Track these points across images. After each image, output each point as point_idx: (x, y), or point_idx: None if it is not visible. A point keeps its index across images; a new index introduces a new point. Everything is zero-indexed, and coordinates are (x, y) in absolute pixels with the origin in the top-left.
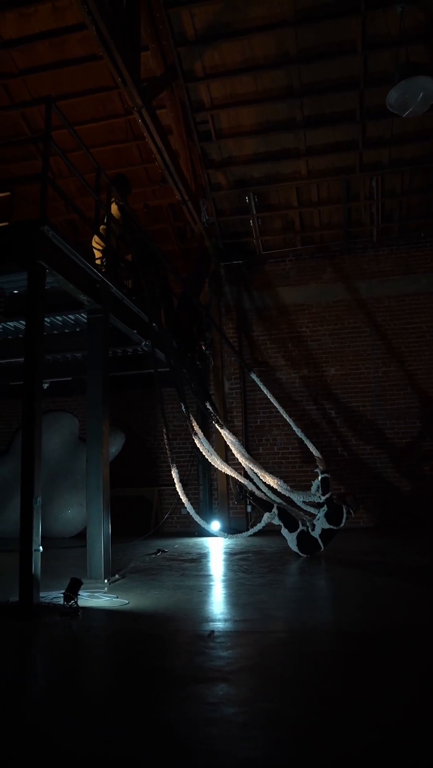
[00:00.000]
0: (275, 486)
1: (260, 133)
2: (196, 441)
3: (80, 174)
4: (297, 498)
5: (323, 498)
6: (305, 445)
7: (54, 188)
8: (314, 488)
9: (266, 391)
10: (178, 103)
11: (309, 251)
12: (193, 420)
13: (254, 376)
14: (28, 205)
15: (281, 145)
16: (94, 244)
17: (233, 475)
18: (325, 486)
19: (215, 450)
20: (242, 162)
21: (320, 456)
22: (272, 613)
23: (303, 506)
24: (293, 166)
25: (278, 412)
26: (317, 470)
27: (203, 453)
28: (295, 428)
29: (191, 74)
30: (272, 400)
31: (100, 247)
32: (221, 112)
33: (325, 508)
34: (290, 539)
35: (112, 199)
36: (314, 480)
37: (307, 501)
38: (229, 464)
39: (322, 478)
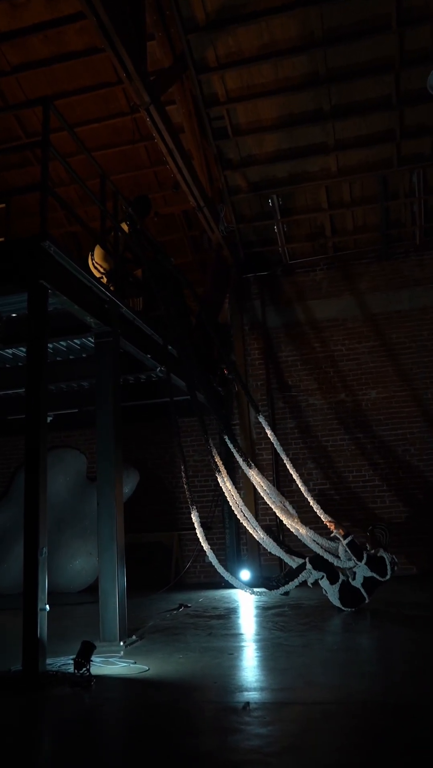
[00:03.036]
0: (308, 538)
1: (283, 127)
2: (220, 481)
3: (83, 181)
4: (339, 553)
5: (362, 562)
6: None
7: (55, 198)
8: (342, 554)
9: (272, 438)
10: (190, 97)
11: (342, 258)
12: (216, 456)
13: (261, 419)
14: (26, 216)
15: (307, 140)
16: (96, 262)
17: (256, 535)
18: (355, 550)
19: (243, 489)
20: (263, 161)
21: (330, 519)
22: (314, 680)
23: (343, 556)
24: (321, 162)
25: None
26: (334, 535)
27: (228, 499)
28: (301, 485)
29: (203, 64)
30: (279, 449)
31: (102, 269)
32: (238, 106)
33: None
34: (331, 592)
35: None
36: (338, 545)
37: (343, 567)
38: (258, 509)
39: (348, 543)
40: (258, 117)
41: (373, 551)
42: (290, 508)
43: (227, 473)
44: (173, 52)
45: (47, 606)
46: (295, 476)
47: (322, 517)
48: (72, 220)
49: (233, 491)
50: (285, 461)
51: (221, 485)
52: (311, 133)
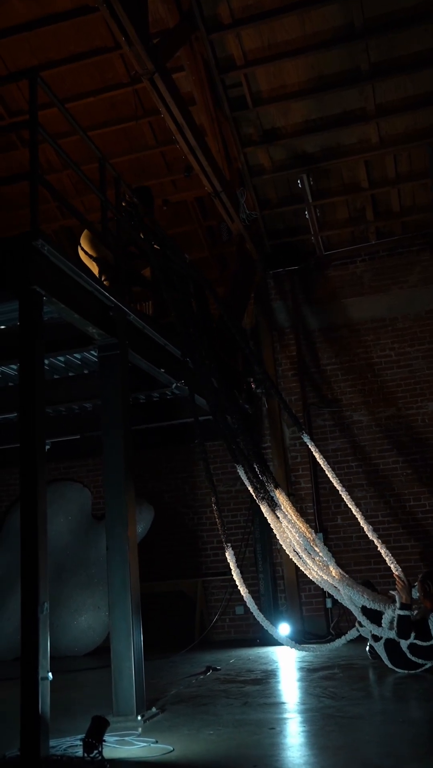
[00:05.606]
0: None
1: (312, 92)
2: (268, 515)
3: (78, 166)
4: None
5: (406, 640)
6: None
7: (46, 187)
8: (386, 622)
9: (323, 463)
10: (201, 62)
11: (388, 246)
12: (251, 487)
13: (306, 439)
14: (11, 209)
15: (342, 107)
16: (83, 248)
17: (326, 577)
18: (404, 626)
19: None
20: (289, 134)
21: (401, 576)
22: (376, 762)
23: (386, 624)
24: (360, 132)
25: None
26: (393, 593)
27: (280, 539)
28: (363, 522)
29: (215, 21)
30: (331, 475)
31: (91, 255)
32: (258, 70)
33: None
34: (379, 650)
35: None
36: (387, 608)
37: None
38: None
39: (399, 617)
40: (282, 82)
41: (419, 611)
42: (331, 562)
43: (270, 506)
44: (179, 9)
45: (50, 674)
46: (357, 514)
47: (392, 567)
48: (66, 213)
49: (280, 526)
50: (341, 492)
51: (272, 523)
52: (347, 98)
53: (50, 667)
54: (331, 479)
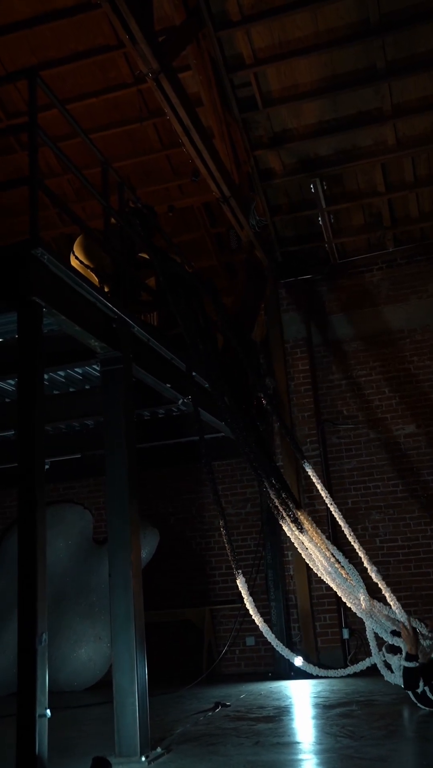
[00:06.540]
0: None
1: (326, 92)
2: (292, 536)
3: (79, 170)
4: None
5: (417, 690)
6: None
7: (45, 193)
8: (395, 666)
9: (323, 491)
10: (208, 61)
11: (406, 253)
12: (277, 502)
13: (306, 467)
14: (9, 216)
15: (357, 107)
16: (78, 254)
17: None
18: (409, 679)
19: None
20: (301, 136)
21: (407, 626)
22: None
23: (397, 669)
24: (376, 134)
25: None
26: (397, 643)
27: (309, 562)
28: (367, 562)
29: (223, 18)
30: (332, 507)
31: (86, 264)
32: (269, 69)
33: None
34: (396, 680)
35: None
36: (396, 651)
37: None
38: None
39: (404, 669)
40: (294, 81)
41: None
42: (361, 590)
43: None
44: (185, 5)
45: (48, 711)
46: (360, 552)
47: (397, 613)
48: (67, 220)
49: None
50: (340, 522)
51: (296, 544)
52: (362, 98)
53: (48, 703)
54: (333, 512)
